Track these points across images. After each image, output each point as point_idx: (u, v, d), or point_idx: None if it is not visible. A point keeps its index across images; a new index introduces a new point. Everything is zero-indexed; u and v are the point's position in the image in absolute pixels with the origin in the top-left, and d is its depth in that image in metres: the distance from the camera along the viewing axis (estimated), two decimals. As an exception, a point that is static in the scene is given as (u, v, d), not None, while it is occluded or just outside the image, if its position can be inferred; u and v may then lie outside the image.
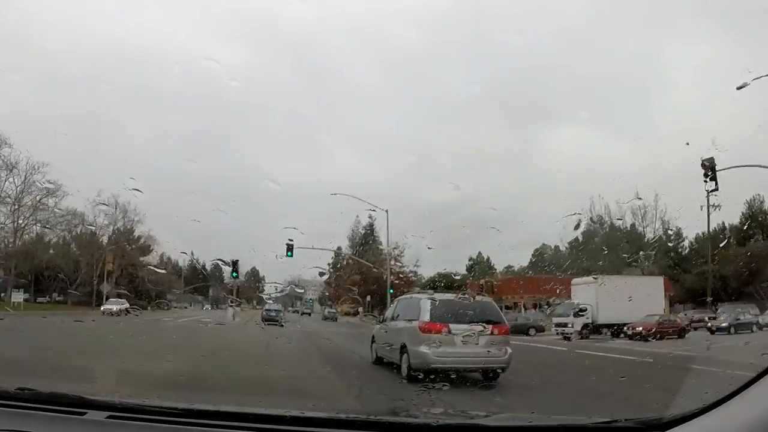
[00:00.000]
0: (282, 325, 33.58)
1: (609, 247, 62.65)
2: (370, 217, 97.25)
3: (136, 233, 72.03)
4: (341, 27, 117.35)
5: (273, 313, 36.90)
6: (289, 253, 33.73)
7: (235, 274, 34.22)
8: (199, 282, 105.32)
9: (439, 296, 12.30)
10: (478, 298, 12.81)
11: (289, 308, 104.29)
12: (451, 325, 10.84)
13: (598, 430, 1.64)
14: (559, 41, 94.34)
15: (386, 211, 39.41)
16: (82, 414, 1.75)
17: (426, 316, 11.16)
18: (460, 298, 12.38)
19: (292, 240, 35.05)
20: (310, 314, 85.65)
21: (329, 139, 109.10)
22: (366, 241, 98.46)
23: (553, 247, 79.01)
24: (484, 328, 10.90)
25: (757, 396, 1.34)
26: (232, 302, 48.17)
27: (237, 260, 33.53)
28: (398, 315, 13.06)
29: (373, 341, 14.13)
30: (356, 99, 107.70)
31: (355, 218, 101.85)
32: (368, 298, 60.03)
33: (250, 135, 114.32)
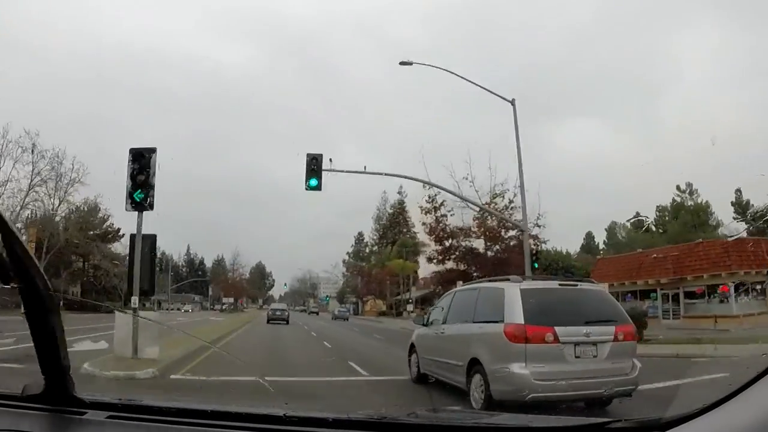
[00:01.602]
0: (287, 323, 37.74)
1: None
2: (399, 193, 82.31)
3: (76, 197, 46.46)
4: (347, 25, 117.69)
5: (279, 313, 41.00)
6: (313, 181, 19.21)
7: (140, 195, 11.35)
8: (197, 279, 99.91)
9: (528, 283, 8.07)
10: (584, 285, 8.39)
11: (295, 307, 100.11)
12: (558, 329, 7.06)
13: (597, 430, 1.64)
14: (565, 38, 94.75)
15: (512, 101, 22.77)
16: (82, 414, 1.75)
17: (517, 315, 7.16)
18: (563, 285, 8.21)
19: (320, 155, 19.30)
20: (317, 313, 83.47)
21: (334, 136, 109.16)
22: (396, 221, 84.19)
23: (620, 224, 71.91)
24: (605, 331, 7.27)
25: (757, 396, 1.34)
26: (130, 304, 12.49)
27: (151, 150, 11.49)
28: (460, 313, 8.95)
29: (412, 351, 10.48)
30: (361, 97, 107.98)
31: (381, 195, 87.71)
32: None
33: (256, 133, 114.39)
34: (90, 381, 8.65)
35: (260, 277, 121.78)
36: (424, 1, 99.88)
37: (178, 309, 73.97)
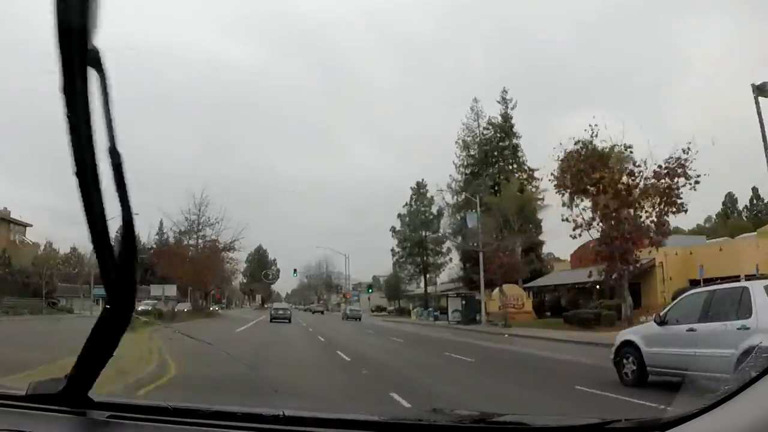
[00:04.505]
0: (290, 322, 38.00)
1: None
2: (502, 101, 51.77)
3: None
4: (356, 21, 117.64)
5: (281, 312, 41.53)
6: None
7: None
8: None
9: None
10: None
11: (300, 306, 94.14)
12: None
13: (597, 430, 1.64)
14: (575, 32, 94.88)
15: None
16: (83, 414, 1.75)
17: None
18: None
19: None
20: (322, 312, 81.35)
21: (344, 134, 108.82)
22: (499, 150, 51.57)
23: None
24: None
25: (758, 396, 1.34)
26: None
27: None
28: None
29: None
30: (371, 94, 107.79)
31: (471, 106, 54.06)
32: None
33: (264, 133, 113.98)
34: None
35: (260, 266, 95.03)
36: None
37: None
